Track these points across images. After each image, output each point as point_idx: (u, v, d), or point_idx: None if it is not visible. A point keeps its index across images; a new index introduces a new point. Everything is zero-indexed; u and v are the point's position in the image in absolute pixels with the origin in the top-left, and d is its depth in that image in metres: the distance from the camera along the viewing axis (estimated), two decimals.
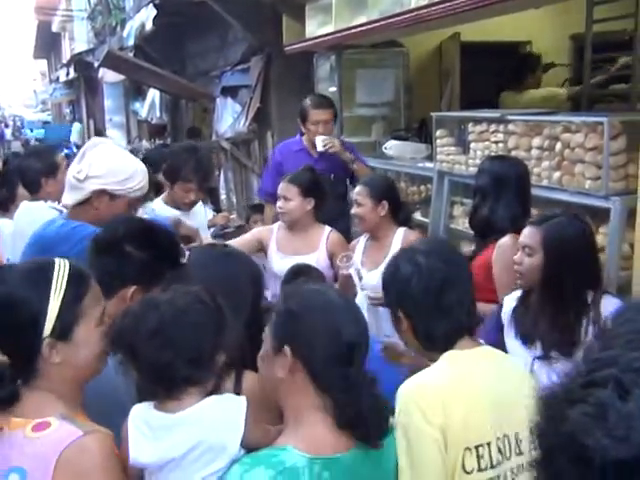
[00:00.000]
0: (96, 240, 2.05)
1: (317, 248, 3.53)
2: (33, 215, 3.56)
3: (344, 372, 1.47)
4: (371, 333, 3.12)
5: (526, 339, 2.39)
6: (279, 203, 3.55)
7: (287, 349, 1.48)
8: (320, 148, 4.31)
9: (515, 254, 2.47)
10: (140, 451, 1.53)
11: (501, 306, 2.57)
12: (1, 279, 1.53)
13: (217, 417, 1.54)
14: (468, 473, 1.59)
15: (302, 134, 4.59)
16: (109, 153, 2.66)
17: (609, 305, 2.25)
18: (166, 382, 1.54)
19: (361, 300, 3.26)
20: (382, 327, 3.13)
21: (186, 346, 1.53)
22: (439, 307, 1.72)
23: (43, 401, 1.47)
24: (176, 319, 1.54)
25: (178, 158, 3.73)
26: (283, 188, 3.55)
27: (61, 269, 1.53)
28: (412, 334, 1.77)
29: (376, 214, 3.40)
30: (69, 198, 2.58)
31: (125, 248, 1.98)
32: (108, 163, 2.59)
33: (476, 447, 1.60)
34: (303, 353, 1.48)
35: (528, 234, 2.39)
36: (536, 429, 0.59)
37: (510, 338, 2.45)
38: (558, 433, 0.56)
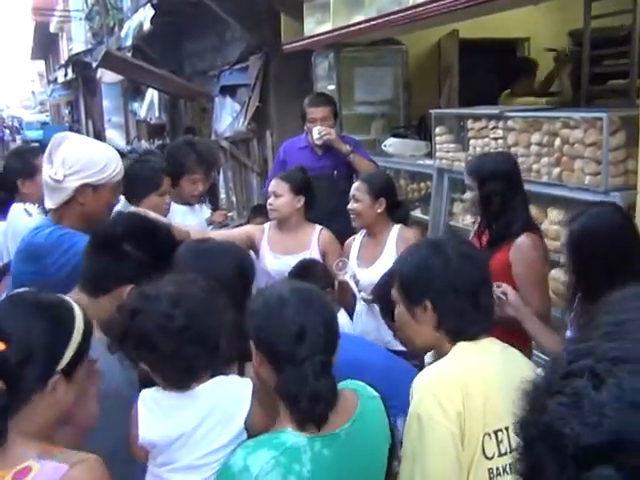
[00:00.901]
0: (95, 237, 2.04)
1: (309, 247, 3.53)
2: (10, 218, 3.54)
3: (291, 353, 1.53)
4: (373, 337, 3.14)
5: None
6: (269, 199, 3.56)
7: (252, 344, 1.59)
8: (316, 136, 4.31)
9: (535, 252, 2.48)
10: (150, 429, 1.63)
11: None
12: (21, 307, 1.50)
13: (225, 392, 1.66)
14: (489, 458, 1.61)
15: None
16: (78, 146, 2.56)
17: None
18: (188, 372, 1.63)
19: (360, 307, 3.28)
20: (382, 329, 3.15)
21: (210, 337, 1.63)
22: (460, 302, 1.74)
23: (17, 443, 1.39)
24: (201, 312, 1.63)
25: (178, 153, 3.72)
26: (274, 184, 3.56)
27: (78, 310, 1.52)
28: (433, 326, 1.77)
29: (373, 210, 3.40)
30: (51, 202, 2.50)
31: (124, 247, 1.97)
32: (82, 156, 2.50)
33: (495, 432, 1.62)
34: (262, 348, 1.58)
35: (562, 235, 2.41)
36: (519, 421, 0.61)
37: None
38: (538, 423, 0.58)
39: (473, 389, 1.65)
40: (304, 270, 3.06)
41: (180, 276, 1.74)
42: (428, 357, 2.09)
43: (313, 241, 3.55)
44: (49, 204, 2.51)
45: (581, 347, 0.59)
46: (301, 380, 1.50)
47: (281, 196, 3.50)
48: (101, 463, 1.41)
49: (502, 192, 2.84)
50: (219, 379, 1.68)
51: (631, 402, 0.52)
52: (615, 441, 0.51)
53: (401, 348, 2.82)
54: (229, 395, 1.66)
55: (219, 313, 1.66)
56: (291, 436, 1.50)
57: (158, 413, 1.64)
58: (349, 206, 3.48)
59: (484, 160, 3.06)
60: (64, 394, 1.46)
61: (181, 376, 1.64)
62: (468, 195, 2.98)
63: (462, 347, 1.74)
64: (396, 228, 3.42)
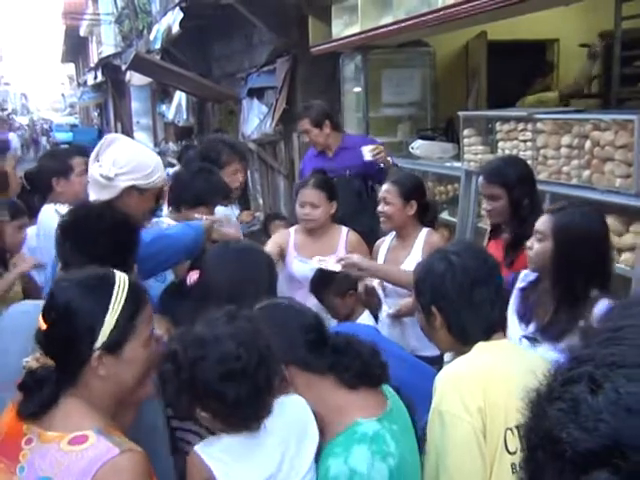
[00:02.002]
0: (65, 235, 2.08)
1: (336, 250, 3.51)
2: (42, 219, 3.58)
3: (327, 347, 1.64)
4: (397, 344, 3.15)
5: (523, 317, 2.45)
6: (305, 210, 3.46)
7: (283, 368, 1.61)
8: (368, 158, 4.32)
9: None
10: (234, 478, 1.49)
11: (516, 279, 2.60)
12: (62, 286, 1.54)
13: (291, 416, 1.57)
14: (511, 453, 1.62)
15: None
16: (129, 148, 2.65)
17: (604, 308, 2.24)
18: (262, 410, 1.50)
19: (384, 316, 3.28)
20: (407, 333, 3.15)
21: (275, 366, 1.53)
22: (472, 303, 1.78)
23: (81, 412, 1.46)
24: (263, 345, 1.51)
25: (214, 149, 3.78)
26: (309, 194, 3.47)
27: (121, 283, 1.53)
28: (446, 330, 1.82)
29: (404, 213, 3.37)
30: (100, 197, 2.57)
31: (99, 240, 1.99)
32: (133, 158, 2.59)
33: (517, 427, 1.63)
34: (292, 359, 1.62)
35: (542, 220, 2.43)
36: (522, 429, 0.62)
37: (510, 312, 2.48)
38: (538, 430, 0.59)
39: (494, 385, 1.67)
40: (325, 275, 3.07)
41: (213, 311, 1.59)
42: (447, 357, 2.11)
43: (340, 243, 3.54)
44: (97, 198, 2.57)
45: (581, 353, 0.60)
46: (354, 357, 1.63)
47: (319, 207, 3.45)
48: (147, 458, 1.44)
49: (529, 194, 2.85)
50: (278, 405, 1.54)
51: (627, 406, 0.52)
52: (611, 445, 0.52)
53: (426, 354, 2.83)
54: (296, 417, 1.57)
55: (267, 337, 1.54)
56: (366, 425, 1.55)
57: (232, 463, 1.50)
58: (379, 208, 3.44)
59: (503, 167, 3.05)
60: (114, 370, 1.48)
61: (255, 415, 1.50)
62: (490, 205, 2.98)
63: (481, 346, 1.78)
64: (424, 232, 3.39)
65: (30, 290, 3.30)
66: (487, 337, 1.79)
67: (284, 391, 1.58)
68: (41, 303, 2.05)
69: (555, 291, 2.35)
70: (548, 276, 2.40)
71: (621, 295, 3.15)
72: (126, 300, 1.50)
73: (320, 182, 3.53)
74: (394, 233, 3.50)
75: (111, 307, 1.48)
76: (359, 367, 1.61)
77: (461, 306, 1.79)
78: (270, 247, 3.49)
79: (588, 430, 0.53)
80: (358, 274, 2.81)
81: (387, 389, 1.70)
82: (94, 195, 2.59)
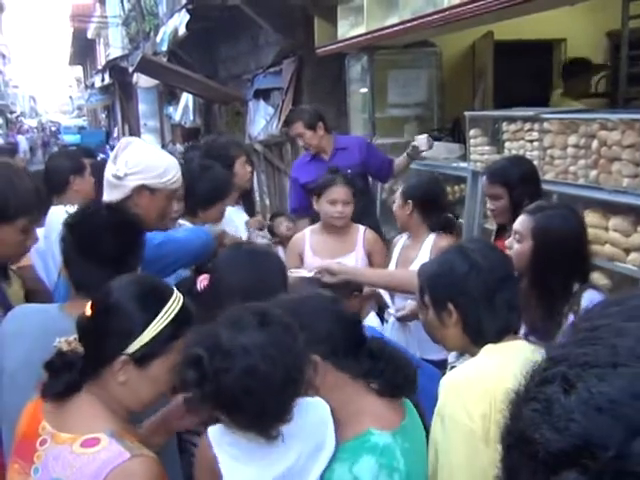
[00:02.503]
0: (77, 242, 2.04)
1: (354, 248, 3.49)
2: (50, 220, 3.58)
3: (362, 351, 1.60)
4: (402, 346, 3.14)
5: None
6: (338, 207, 3.39)
7: (315, 357, 1.55)
8: (424, 148, 4.45)
9: None
10: (237, 475, 1.47)
11: None
12: (123, 282, 1.56)
13: (309, 420, 1.50)
14: None
15: None
16: (142, 150, 2.70)
17: (591, 298, 2.27)
18: (279, 420, 1.42)
19: (391, 319, 3.27)
20: (412, 340, 3.14)
21: (298, 374, 1.42)
22: (493, 304, 1.76)
23: (95, 413, 1.46)
24: (288, 354, 1.42)
25: (221, 146, 3.82)
26: (341, 192, 3.40)
27: (175, 302, 1.53)
28: (460, 328, 1.79)
29: (403, 212, 3.40)
30: (109, 198, 2.62)
31: (103, 243, 1.96)
32: (144, 159, 2.63)
33: None
34: (325, 352, 1.57)
35: (520, 221, 2.45)
36: (501, 429, 0.62)
37: None
38: (514, 431, 0.59)
39: (498, 390, 1.61)
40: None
41: (233, 317, 1.48)
42: (451, 358, 2.09)
43: (358, 242, 3.52)
44: (108, 199, 2.59)
45: (556, 353, 0.60)
46: (386, 366, 1.60)
47: (349, 203, 3.43)
48: (159, 464, 1.43)
49: (531, 195, 2.84)
50: (300, 409, 1.46)
51: (597, 405, 0.52)
52: (581, 445, 0.51)
53: (431, 357, 2.82)
54: (316, 424, 1.52)
55: (296, 348, 1.44)
56: (379, 436, 1.51)
57: (242, 458, 1.47)
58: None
59: (506, 166, 3.06)
60: (134, 381, 1.48)
61: (275, 424, 1.42)
62: (492, 205, 2.98)
63: (490, 349, 1.75)
64: (432, 237, 3.38)
65: (39, 293, 3.28)
66: (499, 339, 1.77)
67: (309, 391, 1.50)
68: (44, 307, 2.06)
69: (534, 291, 2.37)
70: (526, 276, 2.41)
71: (608, 287, 3.16)
72: (173, 320, 1.50)
73: (346, 179, 3.50)
74: (408, 234, 3.51)
75: (156, 320, 1.48)
76: (391, 376, 1.59)
77: (482, 305, 1.76)
78: (291, 260, 3.45)
79: (560, 430, 0.53)
80: (332, 280, 2.74)
81: (408, 404, 1.67)
82: (106, 195, 2.63)
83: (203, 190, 3.15)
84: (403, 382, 1.61)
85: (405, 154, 4.56)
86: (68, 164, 3.90)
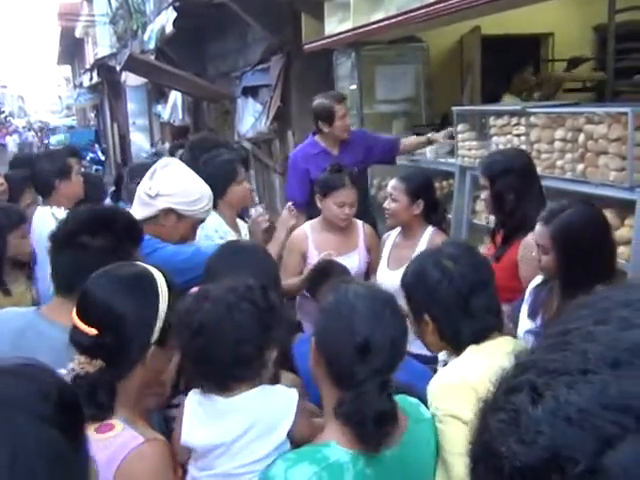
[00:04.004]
0: (52, 240, 2.03)
1: (357, 245, 3.47)
2: (36, 222, 3.53)
3: (352, 369, 1.48)
4: None
5: (532, 313, 2.44)
6: (345, 210, 3.37)
7: (313, 342, 1.55)
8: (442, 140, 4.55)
9: None
10: (192, 433, 1.61)
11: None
12: (107, 290, 1.54)
13: (269, 403, 1.61)
14: None
15: (315, 134, 4.57)
16: (180, 174, 2.72)
17: None
18: (214, 378, 1.60)
19: None
20: None
21: (231, 345, 1.57)
22: (468, 311, 1.75)
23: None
24: (221, 318, 1.58)
25: (205, 140, 3.82)
26: (349, 195, 3.38)
27: (159, 278, 1.57)
28: (438, 336, 1.79)
29: (410, 212, 3.30)
30: (138, 213, 2.61)
31: (80, 240, 1.95)
32: (179, 183, 2.65)
33: None
34: (322, 347, 1.54)
35: (538, 233, 2.39)
36: (468, 441, 0.58)
37: (524, 307, 2.51)
38: (480, 442, 0.55)
39: (482, 392, 1.63)
40: (324, 270, 3.04)
41: (234, 281, 1.68)
42: (442, 355, 2.08)
43: (360, 238, 3.51)
44: (136, 214, 2.58)
45: (525, 359, 0.56)
46: (362, 401, 1.45)
47: (355, 205, 3.41)
48: (169, 447, 1.51)
49: (514, 188, 2.81)
50: (264, 388, 1.63)
51: (567, 416, 0.48)
52: (549, 459, 0.48)
53: (419, 352, 2.80)
54: (273, 406, 1.61)
55: (256, 325, 1.60)
56: (335, 451, 1.45)
57: (202, 417, 1.62)
58: (385, 204, 3.39)
59: (495, 158, 3.05)
60: (160, 361, 1.55)
61: (210, 382, 1.61)
62: (483, 195, 2.96)
63: (472, 350, 1.75)
64: (429, 231, 3.33)
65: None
66: (478, 342, 1.76)
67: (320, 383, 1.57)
68: (22, 311, 2.04)
69: (562, 291, 2.32)
70: (559, 286, 2.37)
71: None
72: (168, 291, 1.55)
73: (353, 179, 3.46)
74: (399, 228, 3.45)
75: (160, 305, 1.52)
76: (350, 411, 1.48)
77: (456, 314, 1.75)
78: (293, 259, 3.41)
79: (527, 443, 0.49)
80: None
81: (419, 432, 1.60)
82: (135, 211, 2.63)
83: (213, 180, 3.15)
84: (362, 428, 1.47)
85: (427, 136, 4.62)
86: (53, 168, 3.83)
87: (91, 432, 1.40)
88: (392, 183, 3.39)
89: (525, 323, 2.46)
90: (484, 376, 1.66)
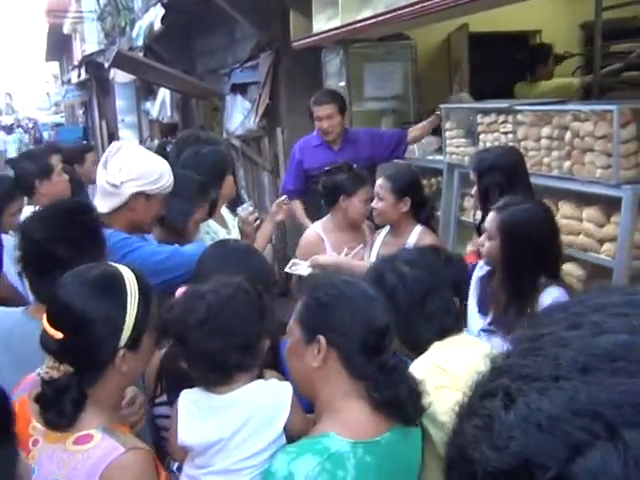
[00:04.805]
0: (18, 249, 2.01)
1: (365, 240, 3.54)
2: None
3: (379, 358, 1.52)
4: None
5: (481, 308, 2.52)
6: (369, 206, 3.41)
7: (322, 338, 1.52)
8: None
9: None
10: (188, 431, 1.61)
11: (474, 267, 2.68)
12: (73, 292, 1.52)
13: (264, 397, 1.63)
14: None
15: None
16: (136, 155, 2.68)
17: (554, 296, 2.29)
18: (218, 369, 1.61)
19: None
20: None
21: (234, 332, 1.61)
22: (424, 314, 1.80)
23: (87, 413, 1.45)
24: (223, 307, 1.61)
25: (190, 137, 3.82)
26: (371, 192, 3.43)
27: (129, 277, 1.54)
28: (397, 339, 1.80)
29: (397, 210, 3.31)
30: (105, 206, 2.58)
31: (42, 250, 1.93)
32: (139, 165, 2.61)
33: None
34: (337, 342, 1.52)
35: (489, 218, 2.48)
36: (444, 446, 0.58)
37: (472, 301, 2.58)
38: (455, 447, 0.55)
39: (455, 373, 1.69)
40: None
41: (225, 278, 1.74)
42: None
43: (366, 234, 3.58)
44: (102, 208, 2.57)
45: (500, 364, 0.56)
46: (394, 382, 1.50)
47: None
48: (152, 455, 1.47)
49: (499, 185, 2.84)
50: (258, 383, 1.66)
51: (537, 422, 0.48)
52: (520, 465, 0.48)
53: None
54: (268, 400, 1.63)
55: (254, 313, 1.65)
56: (335, 441, 1.46)
57: (196, 415, 1.63)
58: (372, 204, 3.39)
59: (484, 154, 3.08)
60: (133, 364, 1.51)
61: (212, 372, 1.62)
62: (473, 190, 2.99)
63: (436, 346, 1.81)
64: (417, 230, 3.34)
65: (13, 301, 3.20)
66: (445, 335, 1.82)
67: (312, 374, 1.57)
68: (9, 311, 2.03)
69: (504, 287, 2.40)
70: (498, 272, 2.45)
71: (582, 278, 3.18)
72: (139, 293, 1.52)
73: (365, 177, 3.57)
74: (388, 227, 3.47)
75: (129, 305, 1.49)
76: (389, 395, 1.51)
77: (413, 318, 1.80)
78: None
79: (499, 449, 0.49)
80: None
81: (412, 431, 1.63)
82: (101, 202, 2.60)
83: (208, 170, 3.17)
84: (400, 406, 1.52)
85: (430, 119, 4.64)
86: (33, 168, 3.78)
87: (69, 444, 1.39)
88: (379, 182, 3.41)
89: (476, 319, 2.51)
90: (455, 360, 1.70)
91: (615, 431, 0.46)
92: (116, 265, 1.60)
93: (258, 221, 3.42)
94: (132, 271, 1.57)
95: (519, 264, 2.35)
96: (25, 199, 3.89)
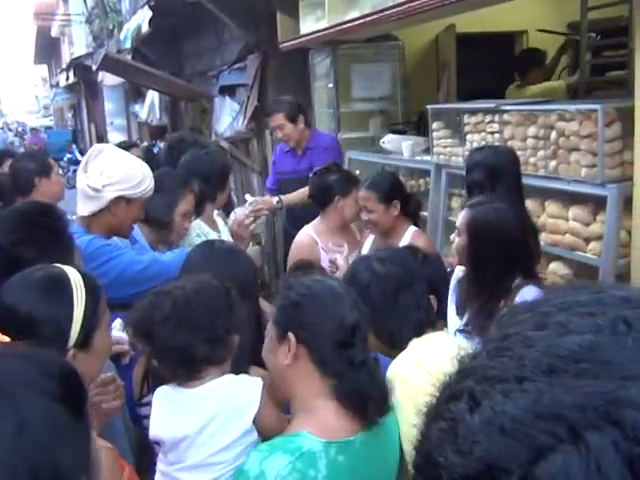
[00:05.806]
0: None
1: (362, 243, 3.54)
2: None
3: (348, 355, 1.52)
4: None
5: (458, 309, 2.53)
6: (359, 207, 3.40)
7: (291, 336, 1.52)
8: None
9: None
10: (159, 426, 1.64)
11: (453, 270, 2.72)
12: (16, 294, 1.50)
13: (233, 391, 1.65)
14: None
15: None
16: (118, 158, 2.65)
17: (531, 295, 2.27)
18: (187, 362, 1.63)
19: None
20: None
21: (201, 325, 1.62)
22: (397, 310, 1.83)
23: None
24: (189, 301, 1.63)
25: (180, 139, 3.82)
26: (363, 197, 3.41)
27: (75, 277, 1.53)
28: (374, 337, 1.82)
29: (389, 216, 3.32)
30: (85, 209, 2.56)
31: (10, 243, 1.93)
32: (121, 169, 2.59)
33: None
34: (306, 338, 1.53)
35: (460, 216, 2.50)
36: (413, 450, 0.57)
37: (451, 303, 2.59)
38: (421, 451, 0.54)
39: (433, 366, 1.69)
40: (301, 271, 3.04)
41: (195, 276, 1.78)
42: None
43: (357, 236, 3.61)
44: (82, 211, 2.56)
45: (466, 366, 0.55)
46: (362, 380, 1.51)
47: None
48: (114, 453, 1.45)
49: (479, 184, 2.86)
50: (227, 377, 1.68)
51: (501, 426, 0.47)
52: (484, 470, 0.47)
53: None
54: (237, 393, 1.65)
55: (222, 307, 1.67)
56: (307, 440, 1.46)
57: (168, 410, 1.66)
58: (362, 217, 3.37)
59: (474, 153, 3.10)
60: (86, 364, 1.49)
61: (181, 366, 1.64)
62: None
63: (415, 342, 1.83)
64: (410, 232, 3.34)
65: None
66: (417, 336, 1.83)
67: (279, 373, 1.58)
68: None
69: (471, 285, 2.42)
70: (466, 268, 2.48)
71: (569, 277, 3.19)
72: (86, 292, 1.51)
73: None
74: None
75: (75, 305, 1.48)
76: (357, 393, 1.52)
77: (386, 313, 1.82)
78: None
79: (463, 453, 0.48)
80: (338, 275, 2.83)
81: (387, 424, 1.63)
82: (82, 206, 2.58)
83: (216, 173, 3.16)
84: (364, 402, 1.53)
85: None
86: (33, 166, 3.88)
87: None
88: (362, 194, 3.37)
89: (454, 320, 2.53)
90: (435, 356, 1.72)
91: (578, 434, 0.45)
92: (61, 266, 1.58)
93: (254, 224, 3.45)
94: (78, 271, 1.57)
95: (483, 262, 2.36)
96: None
